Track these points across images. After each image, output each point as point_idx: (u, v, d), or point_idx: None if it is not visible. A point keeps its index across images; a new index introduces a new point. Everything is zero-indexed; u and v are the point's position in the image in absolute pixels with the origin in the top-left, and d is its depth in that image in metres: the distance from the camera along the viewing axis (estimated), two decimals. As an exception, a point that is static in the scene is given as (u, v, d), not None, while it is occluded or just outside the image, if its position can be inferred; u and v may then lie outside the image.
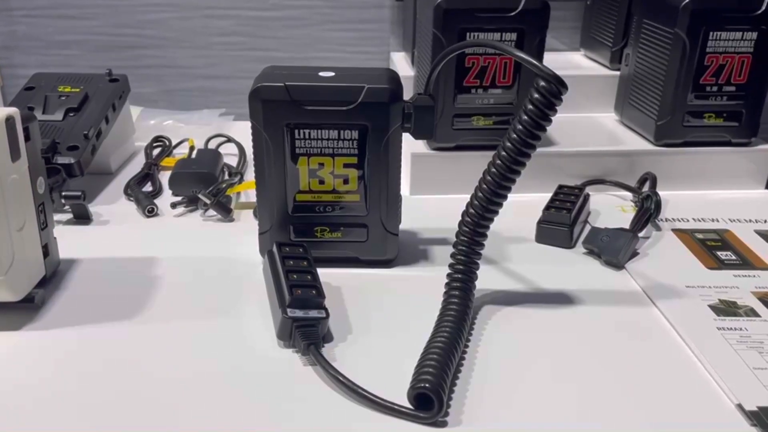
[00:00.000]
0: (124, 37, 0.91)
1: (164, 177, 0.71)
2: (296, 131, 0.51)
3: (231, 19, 0.91)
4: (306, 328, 0.44)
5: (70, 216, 0.63)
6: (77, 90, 0.73)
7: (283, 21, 0.92)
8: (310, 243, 0.54)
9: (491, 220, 0.48)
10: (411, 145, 0.68)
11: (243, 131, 0.66)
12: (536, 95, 0.44)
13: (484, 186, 0.47)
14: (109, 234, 0.61)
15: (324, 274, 0.51)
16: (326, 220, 0.54)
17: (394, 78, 0.52)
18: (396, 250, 0.56)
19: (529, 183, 0.59)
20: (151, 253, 0.57)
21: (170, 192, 0.69)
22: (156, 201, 0.67)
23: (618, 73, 0.79)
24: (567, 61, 0.90)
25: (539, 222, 0.60)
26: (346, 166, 0.52)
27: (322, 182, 0.53)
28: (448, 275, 0.49)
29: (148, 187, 0.70)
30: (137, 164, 0.76)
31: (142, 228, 0.63)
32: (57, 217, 0.63)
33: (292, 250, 0.50)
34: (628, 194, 0.70)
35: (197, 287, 0.53)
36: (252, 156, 0.52)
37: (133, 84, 0.79)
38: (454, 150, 0.69)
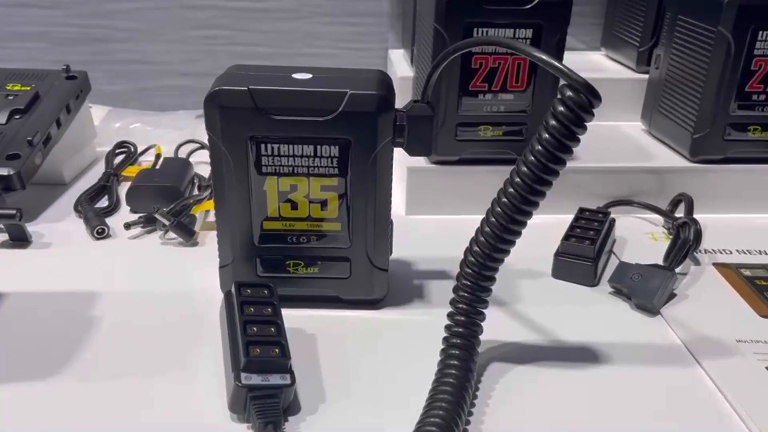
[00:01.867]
0: (92, 29, 0.82)
1: (125, 190, 0.62)
2: (262, 146, 0.41)
3: (211, 10, 0.82)
4: (264, 400, 0.35)
5: (6, 237, 0.54)
6: (27, 88, 0.64)
7: (269, 12, 0.82)
8: (281, 279, 0.45)
9: (501, 260, 0.38)
10: (407, 158, 0.59)
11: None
12: (561, 108, 0.35)
13: (493, 219, 0.37)
14: (48, 260, 0.52)
15: (296, 316, 0.42)
16: (300, 253, 0.45)
17: (384, 82, 0.43)
18: (385, 288, 0.47)
19: (542, 203, 0.50)
20: (93, 285, 0.48)
21: (128, 209, 0.60)
22: (112, 219, 0.58)
23: (646, 76, 0.70)
24: (586, 61, 0.80)
25: (557, 254, 0.51)
26: (324, 188, 0.43)
27: (294, 207, 0.43)
28: (447, 327, 0.39)
29: (104, 202, 0.61)
30: (97, 174, 0.66)
31: (89, 253, 0.53)
32: (-10, 238, 0.54)
33: (254, 293, 0.41)
34: (659, 218, 0.61)
35: (142, 331, 0.44)
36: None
37: (103, 81, 0.70)
38: (458, 164, 0.60)
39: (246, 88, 0.40)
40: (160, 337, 0.43)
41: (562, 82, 0.35)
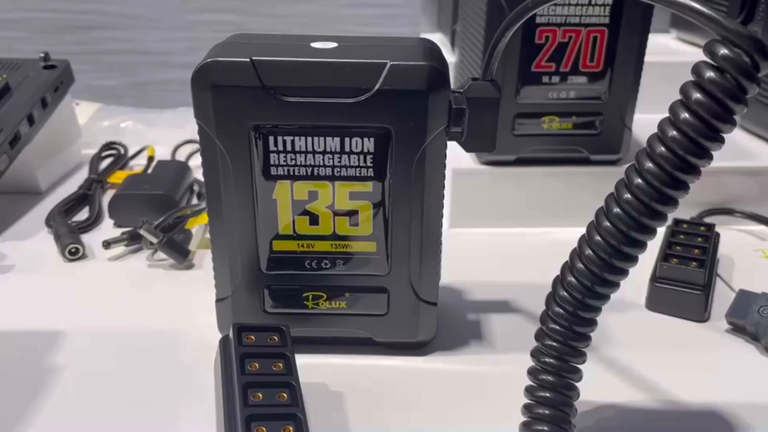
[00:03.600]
0: (81, 15, 0.71)
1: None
2: (271, 139, 0.30)
3: (217, -8, 0.71)
4: None
5: (-42, 258, 0.44)
6: (-3, 79, 0.54)
7: (283, -6, 0.72)
8: (297, 317, 0.34)
9: (607, 297, 0.27)
10: (451, 158, 0.48)
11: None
12: (711, 74, 0.23)
13: (599, 239, 0.26)
14: (5, 287, 0.41)
15: (317, 366, 0.31)
16: (322, 282, 0.34)
17: (433, 51, 0.32)
18: (434, 327, 0.35)
19: None
20: (57, 320, 0.38)
21: (112, 222, 0.49)
22: (92, 235, 0.47)
23: (734, 59, 0.58)
24: (653, 45, 0.68)
25: (655, 279, 0.39)
26: (354, 196, 0.32)
27: (314, 222, 0.32)
28: (530, 391, 0.28)
29: (84, 214, 0.50)
30: (80, 180, 0.56)
31: (57, 278, 0.43)
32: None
33: (260, 340, 0.30)
34: (764, 229, 0.49)
35: (114, 387, 0.33)
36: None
37: (93, 75, 0.60)
38: (515, 164, 0.48)
39: (248, 60, 0.29)
40: (136, 395, 0.32)
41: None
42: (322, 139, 0.30)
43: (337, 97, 0.30)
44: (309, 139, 0.30)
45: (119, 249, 0.45)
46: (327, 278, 0.33)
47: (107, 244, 0.44)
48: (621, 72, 0.45)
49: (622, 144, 0.48)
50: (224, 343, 0.30)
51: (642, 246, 0.26)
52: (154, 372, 0.34)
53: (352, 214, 0.32)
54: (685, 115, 0.24)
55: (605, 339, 0.37)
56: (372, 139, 0.30)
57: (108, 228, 0.49)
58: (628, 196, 0.25)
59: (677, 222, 0.44)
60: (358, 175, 0.31)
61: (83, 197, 0.52)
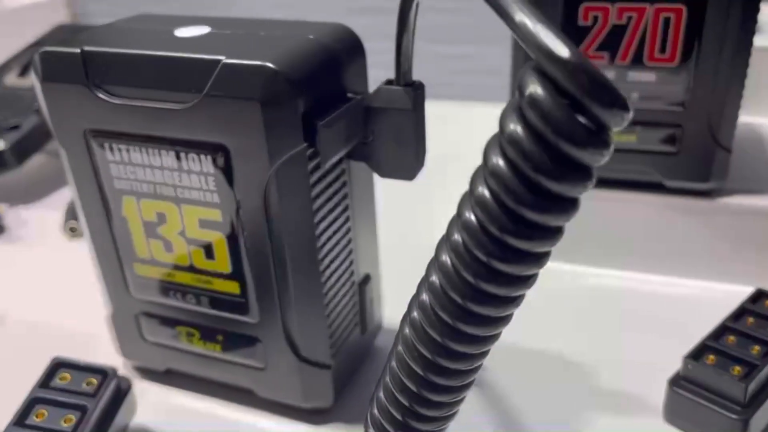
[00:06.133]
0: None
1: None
2: (107, 147, 0.25)
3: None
4: None
5: (-12, 223, 0.46)
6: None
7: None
8: (176, 352, 0.29)
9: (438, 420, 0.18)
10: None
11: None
12: (513, 128, 0.13)
13: (399, 349, 0.17)
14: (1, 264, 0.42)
15: (188, 411, 0.27)
16: (191, 318, 0.28)
17: (319, 46, 0.24)
18: (329, 394, 0.28)
19: (680, 263, 0.31)
20: (18, 310, 0.37)
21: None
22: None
23: None
24: None
25: (676, 381, 0.27)
26: (203, 224, 0.25)
27: (169, 248, 0.27)
28: None
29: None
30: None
31: (51, 257, 0.42)
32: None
33: (73, 383, 0.25)
34: None
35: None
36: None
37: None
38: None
39: (78, 50, 0.24)
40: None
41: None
42: (157, 152, 0.24)
43: (167, 102, 0.23)
44: (144, 150, 0.25)
45: (117, 231, 0.43)
46: (195, 315, 0.28)
47: (72, 231, 0.43)
48: (708, 65, 0.32)
49: (713, 168, 0.34)
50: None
51: (453, 376, 0.17)
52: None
53: (206, 245, 0.26)
54: (484, 193, 0.14)
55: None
56: (209, 157, 0.24)
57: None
58: (424, 297, 0.16)
59: (759, 296, 0.29)
60: (202, 199, 0.25)
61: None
